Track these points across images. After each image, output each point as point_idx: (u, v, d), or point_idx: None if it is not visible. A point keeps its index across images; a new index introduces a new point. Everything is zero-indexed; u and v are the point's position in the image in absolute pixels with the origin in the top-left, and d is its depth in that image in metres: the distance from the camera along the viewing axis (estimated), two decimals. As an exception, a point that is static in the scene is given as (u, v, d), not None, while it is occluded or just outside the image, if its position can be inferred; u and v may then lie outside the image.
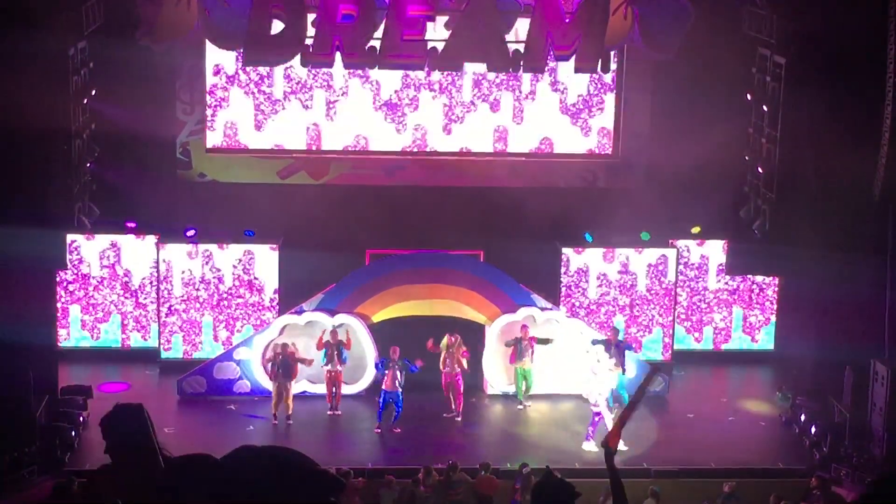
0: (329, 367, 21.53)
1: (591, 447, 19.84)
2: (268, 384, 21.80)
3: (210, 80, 23.50)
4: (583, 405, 21.50)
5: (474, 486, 18.28)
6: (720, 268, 24.33)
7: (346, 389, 21.84)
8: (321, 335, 21.70)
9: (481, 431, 21.54)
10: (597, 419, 20.03)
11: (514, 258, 22.80)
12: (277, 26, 20.92)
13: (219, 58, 23.21)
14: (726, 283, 24.45)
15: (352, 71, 23.10)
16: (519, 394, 22.02)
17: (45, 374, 20.29)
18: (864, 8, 20.14)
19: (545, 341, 21.81)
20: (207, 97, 23.54)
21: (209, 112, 23.58)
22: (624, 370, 20.85)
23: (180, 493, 5.23)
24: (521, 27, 21.37)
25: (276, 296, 23.22)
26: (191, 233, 23.17)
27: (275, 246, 23.22)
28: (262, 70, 23.28)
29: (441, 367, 21.50)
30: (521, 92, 23.90)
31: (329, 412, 21.58)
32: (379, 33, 20.88)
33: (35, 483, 18.25)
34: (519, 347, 21.70)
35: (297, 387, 21.70)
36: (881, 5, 19.94)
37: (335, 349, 21.48)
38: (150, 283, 23.46)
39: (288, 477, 3.19)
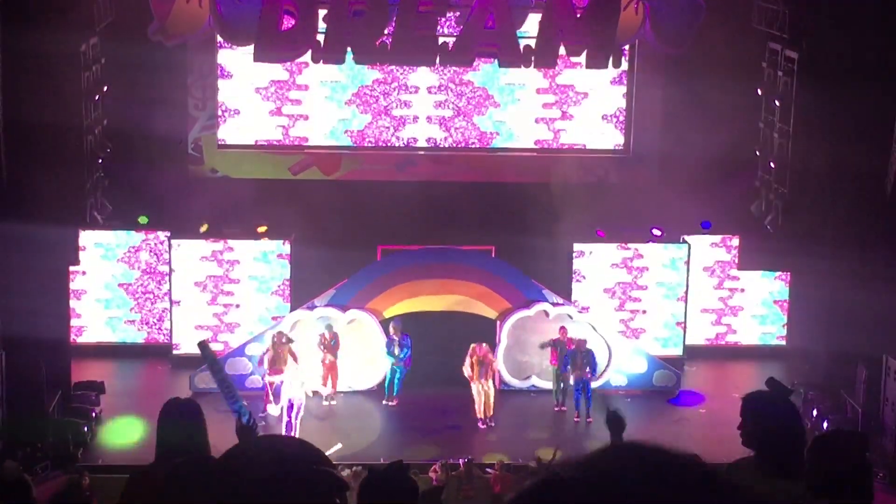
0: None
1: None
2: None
3: (222, 76, 23.56)
4: (599, 401, 21.52)
5: (488, 481, 18.29)
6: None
7: (358, 385, 21.78)
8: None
9: (495, 428, 21.50)
10: None
11: (526, 254, 22.79)
12: (288, 22, 20.94)
13: (231, 54, 23.28)
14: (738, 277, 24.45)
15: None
16: (554, 394, 21.82)
17: (58, 369, 20.36)
18: (877, 1, 20.08)
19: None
20: (219, 93, 23.57)
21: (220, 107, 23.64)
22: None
23: (179, 497, 5.23)
24: (533, 22, 21.36)
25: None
26: (204, 228, 23.21)
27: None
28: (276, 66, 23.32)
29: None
30: (532, 86, 23.88)
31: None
32: (390, 29, 20.90)
33: (48, 477, 18.29)
34: (560, 350, 21.62)
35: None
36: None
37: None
38: (163, 277, 23.52)
39: (288, 478, 3.15)
